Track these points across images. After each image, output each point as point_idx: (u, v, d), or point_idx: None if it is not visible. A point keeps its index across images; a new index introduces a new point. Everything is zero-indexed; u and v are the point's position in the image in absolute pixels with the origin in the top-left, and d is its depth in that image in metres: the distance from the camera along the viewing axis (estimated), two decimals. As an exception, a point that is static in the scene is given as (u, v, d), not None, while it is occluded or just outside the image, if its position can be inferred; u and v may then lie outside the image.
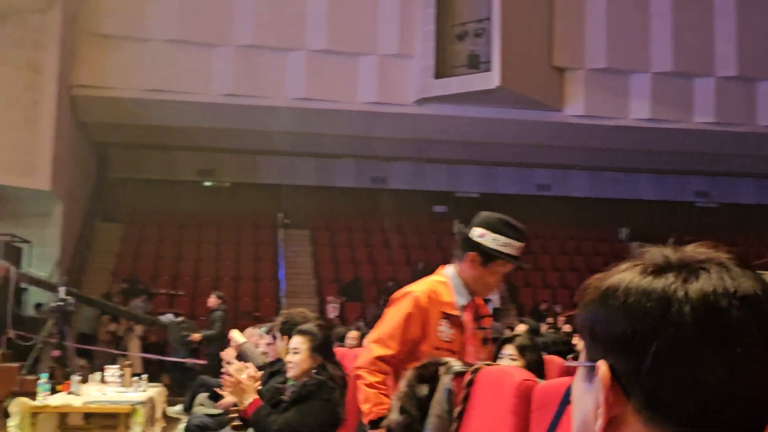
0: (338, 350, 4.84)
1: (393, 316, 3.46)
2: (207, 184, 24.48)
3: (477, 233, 3.46)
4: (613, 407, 0.89)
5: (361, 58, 19.21)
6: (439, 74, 18.80)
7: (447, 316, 3.44)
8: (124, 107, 18.63)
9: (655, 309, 0.88)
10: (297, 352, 4.35)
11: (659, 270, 0.91)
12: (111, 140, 21.98)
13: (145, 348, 15.89)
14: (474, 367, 2.90)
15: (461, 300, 3.50)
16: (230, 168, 23.89)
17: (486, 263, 3.46)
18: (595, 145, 21.07)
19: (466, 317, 3.51)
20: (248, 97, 18.75)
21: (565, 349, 6.85)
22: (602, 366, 0.90)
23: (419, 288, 3.50)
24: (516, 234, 3.46)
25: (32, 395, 7.46)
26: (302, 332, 4.41)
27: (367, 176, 24.46)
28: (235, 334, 5.94)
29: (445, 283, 3.53)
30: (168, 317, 13.73)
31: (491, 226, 3.45)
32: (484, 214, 3.53)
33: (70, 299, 11.49)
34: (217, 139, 21.21)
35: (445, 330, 3.43)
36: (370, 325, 15.98)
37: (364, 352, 3.57)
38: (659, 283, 0.89)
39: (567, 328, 14.28)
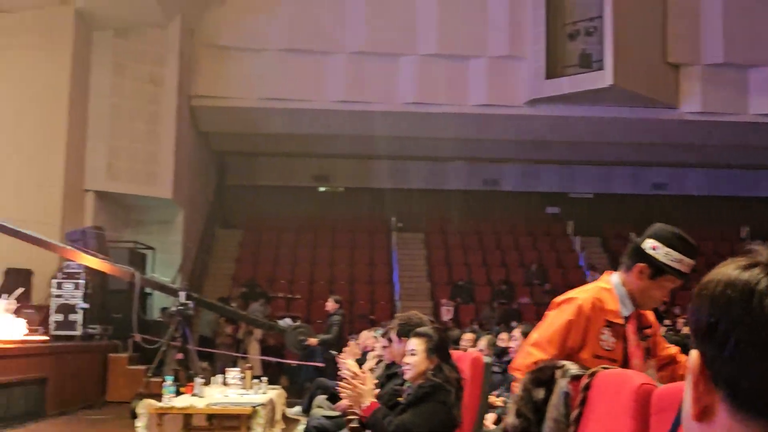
0: (454, 353, 4.85)
1: (554, 320, 3.42)
2: (321, 189, 24.84)
3: (649, 245, 3.37)
4: (704, 396, 0.90)
5: (471, 61, 19.19)
6: (550, 74, 18.61)
7: (610, 324, 3.38)
8: (241, 116, 19.16)
9: (737, 300, 0.89)
10: (414, 354, 4.36)
11: (752, 264, 0.92)
12: (229, 149, 22.60)
13: (264, 351, 16.17)
14: (591, 370, 2.90)
15: (625, 310, 3.44)
16: (344, 173, 24.19)
17: (655, 276, 3.37)
18: (713, 142, 20.50)
19: (630, 328, 3.44)
20: (360, 102, 18.99)
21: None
22: (693, 353, 0.93)
23: (584, 295, 3.43)
24: (689, 250, 3.36)
25: (158, 397, 7.72)
26: (419, 334, 4.43)
27: (479, 178, 24.40)
28: (348, 364, 5.81)
29: (610, 290, 3.46)
30: (286, 321, 13.99)
31: (665, 240, 3.36)
32: (659, 226, 3.44)
33: (190, 303, 11.88)
34: (331, 145, 21.53)
35: (607, 338, 3.37)
36: (484, 327, 15.94)
37: (521, 353, 3.55)
38: (745, 275, 0.90)
39: (686, 329, 13.92)
